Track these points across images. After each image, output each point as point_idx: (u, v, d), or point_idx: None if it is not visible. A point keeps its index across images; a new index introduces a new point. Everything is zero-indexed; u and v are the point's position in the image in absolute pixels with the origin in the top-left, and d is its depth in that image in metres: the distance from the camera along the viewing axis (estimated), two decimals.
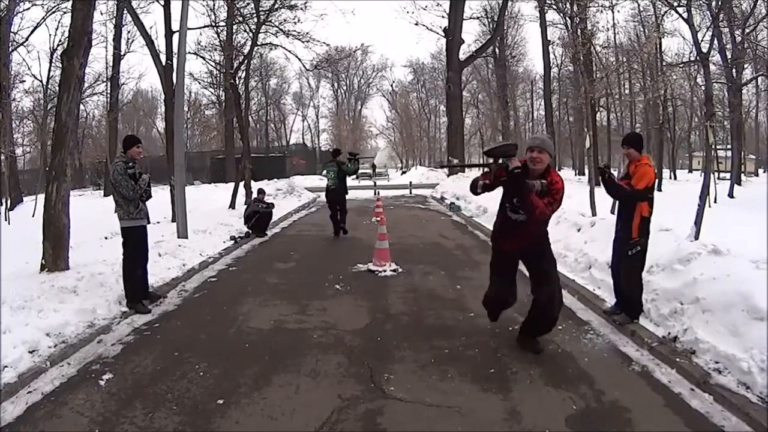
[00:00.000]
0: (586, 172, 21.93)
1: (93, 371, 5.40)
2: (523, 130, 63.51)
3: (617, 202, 6.49)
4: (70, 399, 4.79)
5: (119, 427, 4.30)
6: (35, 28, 26.99)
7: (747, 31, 27.69)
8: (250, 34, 21.40)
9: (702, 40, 17.95)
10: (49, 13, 25.64)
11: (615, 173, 6.78)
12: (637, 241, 6.07)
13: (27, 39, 26.75)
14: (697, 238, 10.16)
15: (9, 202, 22.56)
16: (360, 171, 43.01)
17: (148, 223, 7.71)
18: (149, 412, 4.49)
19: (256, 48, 22.51)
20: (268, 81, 63.79)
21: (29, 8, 25.17)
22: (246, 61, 22.15)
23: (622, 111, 42.44)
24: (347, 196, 14.38)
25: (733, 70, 28.80)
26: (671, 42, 64.89)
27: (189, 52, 18.37)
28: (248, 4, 21.06)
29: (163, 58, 18.42)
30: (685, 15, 17.69)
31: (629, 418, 4.25)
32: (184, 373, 5.25)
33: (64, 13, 23.76)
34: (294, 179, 32.97)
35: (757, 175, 52.54)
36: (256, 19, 20.46)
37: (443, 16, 32.15)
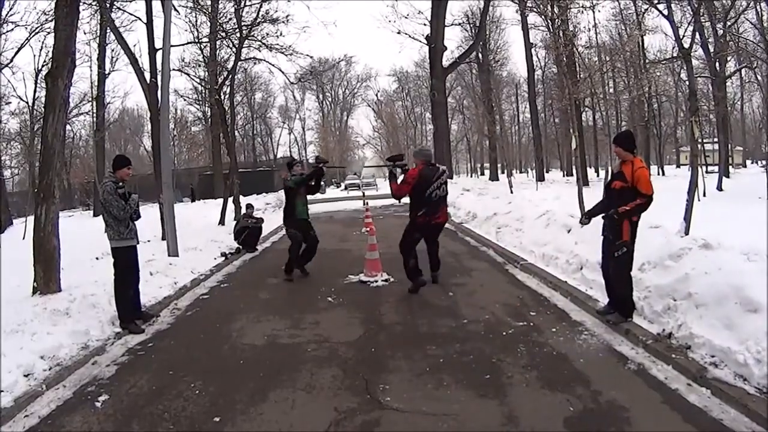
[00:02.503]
0: (574, 172, 22.00)
1: (89, 393, 5.36)
2: (509, 133, 63.77)
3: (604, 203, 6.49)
4: (68, 422, 4.76)
5: None
6: (19, 49, 27.03)
7: (728, 24, 27.87)
8: (234, 49, 21.39)
9: (684, 36, 18.01)
10: (33, 34, 25.68)
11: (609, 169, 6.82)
12: (625, 242, 6.06)
13: (11, 60, 26.74)
14: (687, 233, 10.18)
15: None
16: (348, 182, 42.43)
17: (138, 242, 7.68)
18: None
19: (239, 63, 22.50)
20: (254, 95, 64.09)
21: (12, 29, 25.15)
22: (230, 76, 22.11)
23: (608, 110, 42.68)
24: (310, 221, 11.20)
25: (717, 64, 29.00)
26: (653, 39, 65.35)
27: (173, 69, 18.34)
28: (230, 19, 21.07)
29: (147, 76, 18.35)
30: (665, 12, 17.77)
31: (627, 417, 4.24)
32: (179, 392, 5.22)
33: (48, 33, 23.72)
34: (282, 193, 32.92)
35: (745, 167, 52.90)
36: (238, 34, 20.47)
37: (425, 24, 32.20)
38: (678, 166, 57.33)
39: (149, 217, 13.04)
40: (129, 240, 7.42)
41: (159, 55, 15.83)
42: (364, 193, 32.51)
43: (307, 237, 10.72)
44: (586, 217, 7.13)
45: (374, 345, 6.35)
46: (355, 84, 76.61)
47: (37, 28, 24.90)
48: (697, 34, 19.91)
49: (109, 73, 33.30)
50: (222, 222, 18.86)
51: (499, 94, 52.42)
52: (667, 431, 4.09)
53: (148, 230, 14.19)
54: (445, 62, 31.94)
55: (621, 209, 6.05)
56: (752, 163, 60.22)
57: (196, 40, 23.31)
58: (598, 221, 6.67)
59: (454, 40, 51.76)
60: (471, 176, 69.09)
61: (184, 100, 46.89)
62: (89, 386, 5.55)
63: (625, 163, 6.21)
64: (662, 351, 5.31)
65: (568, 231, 10.12)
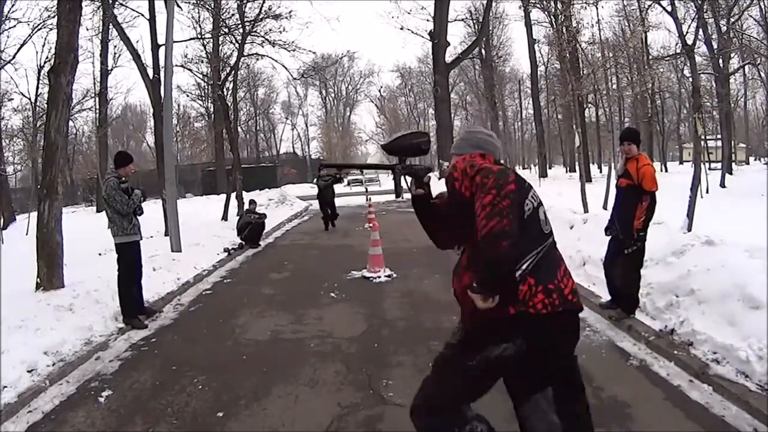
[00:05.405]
0: (577, 169, 21.99)
1: (92, 388, 5.38)
2: (512, 129, 63.60)
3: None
4: (71, 417, 4.77)
5: None
6: (21, 45, 26.87)
7: (732, 20, 27.78)
8: (236, 45, 21.41)
9: (687, 32, 17.98)
10: (35, 30, 25.55)
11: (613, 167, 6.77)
12: (636, 239, 6.00)
13: (14, 57, 26.60)
14: (690, 229, 10.19)
15: (2, 221, 22.41)
16: (351, 178, 43.23)
17: (141, 238, 7.69)
18: (150, 428, 4.47)
19: (242, 58, 22.50)
20: (256, 91, 63.96)
21: (15, 26, 25.11)
22: (233, 72, 22.12)
23: (611, 106, 42.53)
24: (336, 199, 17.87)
25: (720, 61, 28.92)
26: (657, 35, 65.19)
27: (176, 65, 18.26)
28: (233, 15, 21.05)
29: (150, 71, 18.36)
30: (669, 8, 17.77)
31: (629, 413, 4.25)
32: (182, 387, 5.23)
33: (50, 30, 23.64)
34: (285, 188, 32.96)
35: (747, 164, 52.72)
36: (241, 30, 20.47)
37: (428, 20, 32.22)
38: (681, 162, 57.12)
39: (152, 212, 13.05)
40: (132, 235, 7.43)
41: (162, 51, 15.85)
42: (367, 189, 32.45)
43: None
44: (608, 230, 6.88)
45: (377, 340, 6.36)
46: (357, 80, 76.45)
47: (39, 24, 24.85)
48: (701, 30, 19.91)
49: (111, 69, 33.18)
50: (225, 218, 18.85)
51: (501, 90, 52.35)
52: (669, 428, 4.09)
53: (152, 226, 14.19)
54: (448, 58, 31.92)
55: (636, 225, 6.00)
56: (755, 159, 59.92)
57: (199, 36, 23.28)
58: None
59: (457, 35, 51.86)
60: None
61: (187, 96, 46.70)
62: (92, 382, 5.57)
63: (630, 160, 6.19)
64: (664, 347, 5.32)
65: (571, 227, 10.10)
